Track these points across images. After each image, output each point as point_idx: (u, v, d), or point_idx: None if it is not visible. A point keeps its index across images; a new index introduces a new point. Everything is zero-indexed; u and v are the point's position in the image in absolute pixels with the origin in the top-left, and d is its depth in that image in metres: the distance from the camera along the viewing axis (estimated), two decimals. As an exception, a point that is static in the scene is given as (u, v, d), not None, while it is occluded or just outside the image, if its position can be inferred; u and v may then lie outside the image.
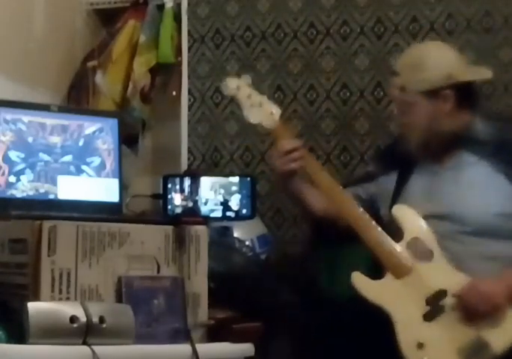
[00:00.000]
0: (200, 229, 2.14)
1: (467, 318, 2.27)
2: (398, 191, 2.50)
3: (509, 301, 2.26)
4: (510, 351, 2.25)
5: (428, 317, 2.29)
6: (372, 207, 2.52)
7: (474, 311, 2.25)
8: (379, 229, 2.38)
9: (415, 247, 2.37)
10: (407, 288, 2.32)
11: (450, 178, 2.43)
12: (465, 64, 2.47)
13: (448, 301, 2.29)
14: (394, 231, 2.40)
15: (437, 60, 2.43)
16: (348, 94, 2.96)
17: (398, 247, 2.36)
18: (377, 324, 2.30)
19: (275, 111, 2.47)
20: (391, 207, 2.46)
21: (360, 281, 2.34)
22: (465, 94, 2.43)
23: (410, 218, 2.40)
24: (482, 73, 2.47)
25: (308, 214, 2.58)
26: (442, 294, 2.30)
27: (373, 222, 2.39)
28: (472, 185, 2.40)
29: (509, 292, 2.27)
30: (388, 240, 2.37)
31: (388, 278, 2.34)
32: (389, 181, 2.53)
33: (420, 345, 2.26)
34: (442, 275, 2.33)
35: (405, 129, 2.50)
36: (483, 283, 2.27)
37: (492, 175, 2.39)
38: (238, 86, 2.48)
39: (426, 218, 2.39)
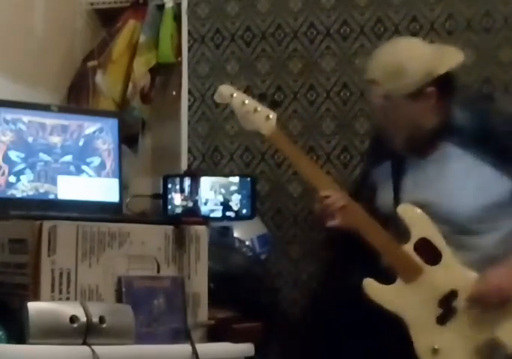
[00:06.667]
0: (200, 229, 2.14)
1: (480, 315, 2.25)
2: (397, 181, 2.47)
3: None
4: None
5: (441, 320, 2.28)
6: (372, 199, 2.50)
7: (488, 304, 2.24)
8: (387, 233, 2.35)
9: (423, 248, 2.34)
10: (419, 292, 2.31)
11: (434, 171, 2.41)
12: (437, 54, 2.42)
13: (459, 301, 2.28)
14: (400, 228, 2.38)
15: (415, 61, 2.37)
16: (348, 94, 2.96)
17: (407, 250, 2.34)
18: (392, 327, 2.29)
19: (272, 115, 2.41)
20: (395, 198, 2.44)
21: (372, 288, 2.31)
22: (446, 85, 2.40)
23: (416, 217, 2.37)
24: (455, 58, 2.41)
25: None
26: (452, 295, 2.29)
27: (381, 227, 2.35)
28: (457, 178, 2.37)
29: None
30: (396, 244, 2.35)
31: (400, 283, 2.33)
32: (384, 171, 2.51)
33: (435, 351, 2.25)
34: (453, 275, 2.31)
35: (388, 130, 2.46)
36: (492, 276, 2.26)
37: (479, 167, 2.35)
38: (231, 93, 2.41)
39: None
